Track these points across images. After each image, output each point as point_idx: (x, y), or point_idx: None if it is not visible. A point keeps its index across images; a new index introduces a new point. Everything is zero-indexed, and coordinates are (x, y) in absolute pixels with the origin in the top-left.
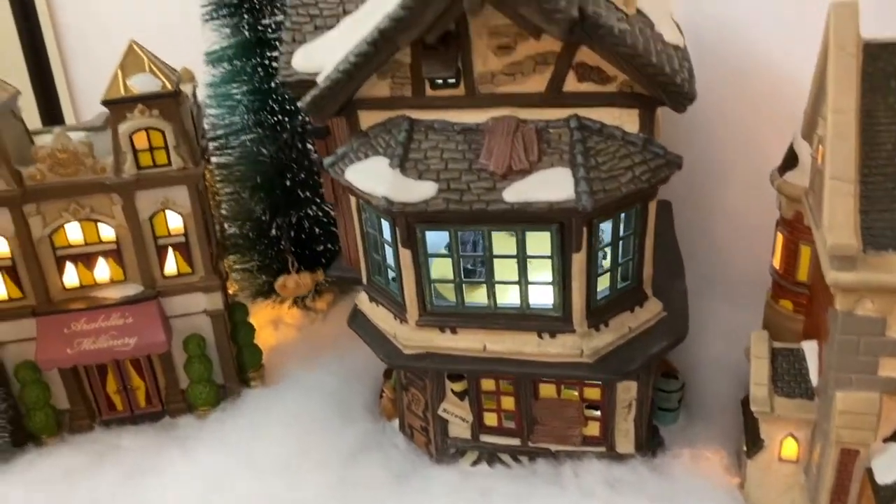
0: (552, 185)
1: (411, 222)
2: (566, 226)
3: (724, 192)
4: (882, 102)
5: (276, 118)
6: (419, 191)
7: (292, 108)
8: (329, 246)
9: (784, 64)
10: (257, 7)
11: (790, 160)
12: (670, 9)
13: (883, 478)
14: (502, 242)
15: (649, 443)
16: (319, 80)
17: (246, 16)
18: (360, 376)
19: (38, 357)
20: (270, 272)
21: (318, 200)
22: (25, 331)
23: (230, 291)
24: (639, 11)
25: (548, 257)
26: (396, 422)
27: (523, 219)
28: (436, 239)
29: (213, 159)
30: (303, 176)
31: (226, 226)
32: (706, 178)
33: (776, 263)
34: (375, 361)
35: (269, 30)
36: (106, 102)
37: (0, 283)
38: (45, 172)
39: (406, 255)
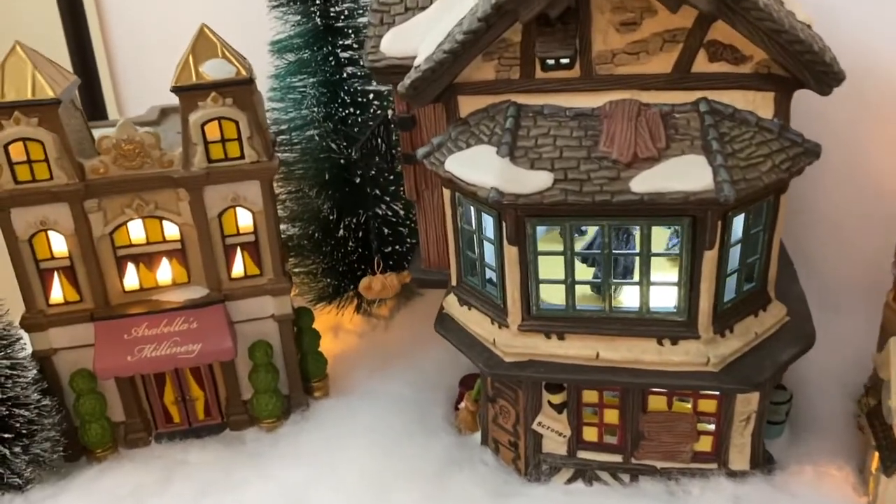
0: (687, 173)
1: (521, 216)
2: (699, 220)
3: (816, 192)
4: None
5: (346, 111)
6: (533, 181)
7: (364, 99)
8: (397, 247)
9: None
10: None
11: None
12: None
13: None
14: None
15: (765, 463)
16: (417, 62)
17: (317, 1)
18: (434, 386)
19: (96, 365)
20: (335, 275)
21: (388, 199)
22: (82, 337)
23: (292, 294)
24: None
25: (676, 255)
26: (477, 435)
27: (652, 212)
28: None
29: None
30: (373, 173)
31: (284, 227)
32: (810, 178)
33: None
34: (449, 370)
35: (341, 17)
36: (176, 89)
37: (56, 285)
38: (108, 165)
39: (512, 252)
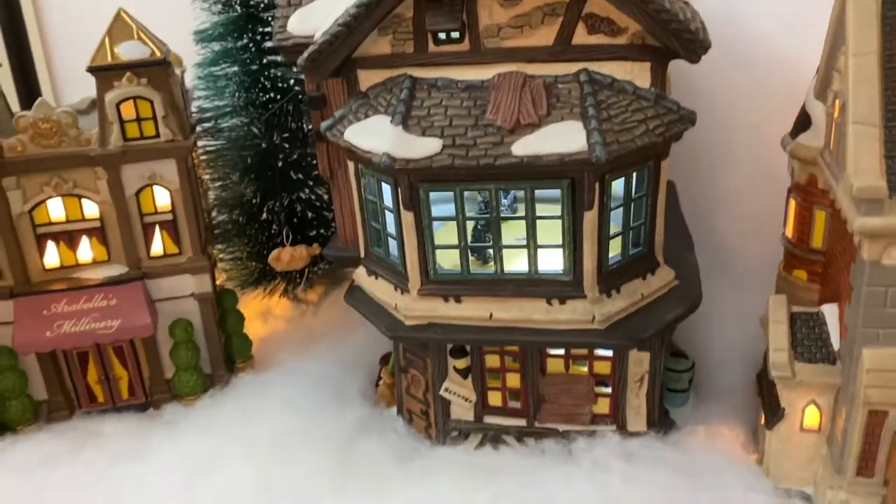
0: (563, 137)
1: (414, 182)
2: (577, 181)
3: (729, 178)
4: None
5: (267, 96)
6: (423, 147)
7: (285, 85)
8: (322, 231)
9: (787, 50)
10: None
11: (802, 122)
12: None
13: None
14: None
15: (661, 422)
16: (315, 37)
17: None
18: (355, 365)
19: (15, 341)
20: (261, 259)
21: (311, 183)
22: (2, 314)
23: (218, 281)
24: None
25: (557, 217)
26: (395, 409)
27: (533, 174)
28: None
29: (201, 145)
30: (295, 157)
31: (213, 213)
32: (711, 164)
33: (789, 233)
34: (371, 350)
35: (261, 6)
36: (92, 69)
37: None
38: (26, 144)
39: (408, 218)
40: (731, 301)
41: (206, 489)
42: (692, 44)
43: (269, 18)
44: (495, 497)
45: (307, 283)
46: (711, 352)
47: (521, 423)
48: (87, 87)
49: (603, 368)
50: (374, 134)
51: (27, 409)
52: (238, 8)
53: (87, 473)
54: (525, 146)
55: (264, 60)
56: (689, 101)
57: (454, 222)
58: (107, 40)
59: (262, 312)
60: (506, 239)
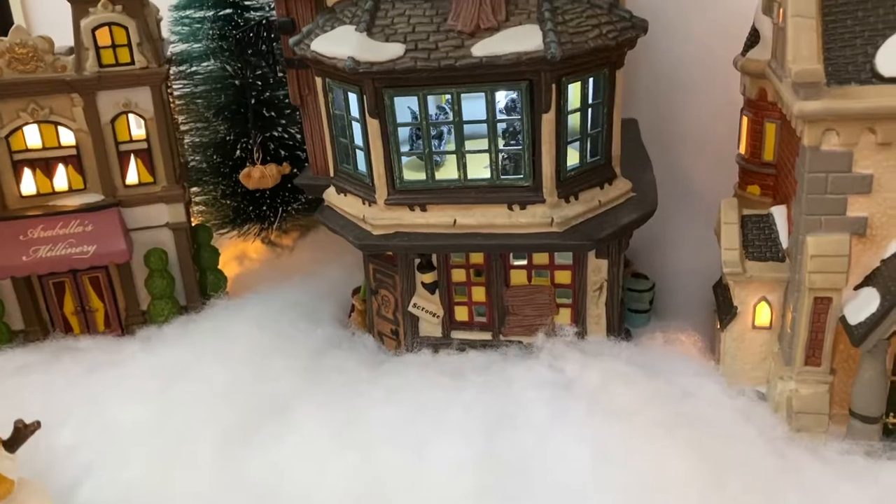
0: (521, 38)
1: (378, 87)
2: (535, 83)
3: (688, 111)
4: None
5: (240, 34)
6: (386, 51)
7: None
8: (295, 170)
9: None
10: None
11: (752, 39)
12: None
13: (855, 318)
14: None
15: (621, 333)
16: None
17: None
18: (328, 295)
19: None
20: (235, 196)
21: (284, 122)
22: None
23: (193, 222)
24: None
25: (518, 119)
26: (367, 334)
27: (492, 75)
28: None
29: (177, 87)
30: (268, 94)
31: (189, 156)
32: (671, 101)
33: (742, 149)
34: (344, 283)
35: None
36: None
37: None
38: (2, 69)
39: (374, 125)
40: (692, 228)
41: (181, 392)
42: None
43: None
44: (460, 381)
45: (281, 226)
46: (672, 275)
47: (488, 336)
48: (61, 20)
49: (563, 278)
50: (340, 41)
51: (3, 335)
52: None
53: (63, 379)
54: (484, 47)
55: (236, 0)
56: (647, 38)
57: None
58: None
59: (237, 255)
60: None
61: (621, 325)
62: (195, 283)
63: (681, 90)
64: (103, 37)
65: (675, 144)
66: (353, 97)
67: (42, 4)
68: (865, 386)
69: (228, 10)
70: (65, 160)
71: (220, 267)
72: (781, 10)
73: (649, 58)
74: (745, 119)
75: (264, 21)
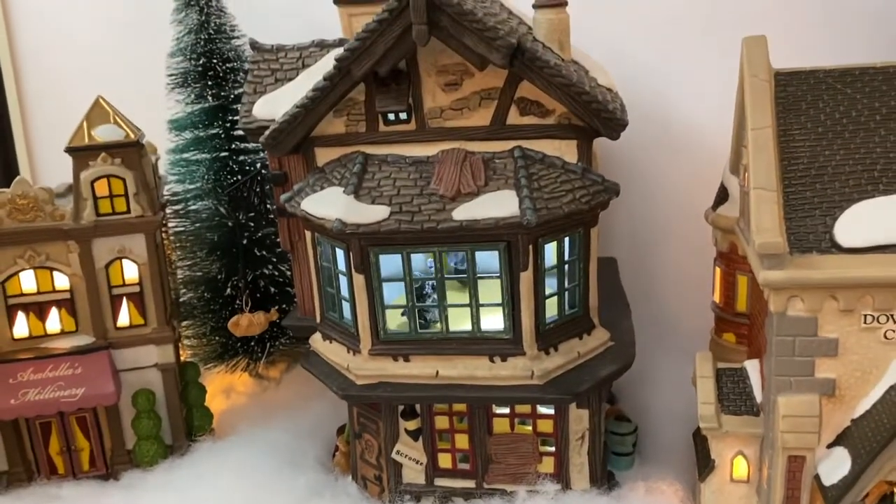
0: (499, 204)
1: (364, 245)
2: (513, 244)
3: (664, 252)
4: (795, 122)
5: (234, 178)
6: (372, 213)
7: (251, 168)
8: (285, 306)
9: (714, 131)
10: (220, 75)
11: (721, 196)
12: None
13: (829, 479)
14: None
15: (605, 481)
16: (277, 118)
17: (210, 82)
18: (312, 434)
19: None
20: (224, 333)
21: (275, 260)
22: None
23: (182, 357)
24: (574, 61)
25: (497, 277)
26: (350, 477)
27: (472, 237)
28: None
29: (172, 226)
30: (259, 235)
31: (181, 291)
32: (649, 241)
33: (717, 298)
34: (329, 421)
35: (231, 97)
36: (70, 150)
37: None
38: (3, 218)
39: (360, 280)
40: (670, 367)
41: None
42: (611, 122)
43: (238, 107)
44: None
45: (269, 359)
46: (653, 415)
47: (471, 484)
48: (63, 168)
49: (546, 427)
50: (329, 203)
51: None
52: (210, 99)
53: None
54: (464, 212)
55: (233, 146)
56: (627, 184)
57: (402, 283)
58: (85, 124)
59: (224, 388)
60: (450, 299)
61: (605, 471)
62: (182, 423)
63: (659, 232)
64: (101, 187)
65: (655, 283)
66: (340, 252)
67: (46, 151)
68: None
69: (224, 154)
70: (58, 303)
71: (206, 402)
72: (747, 176)
73: (629, 199)
74: (718, 270)
75: (256, 174)
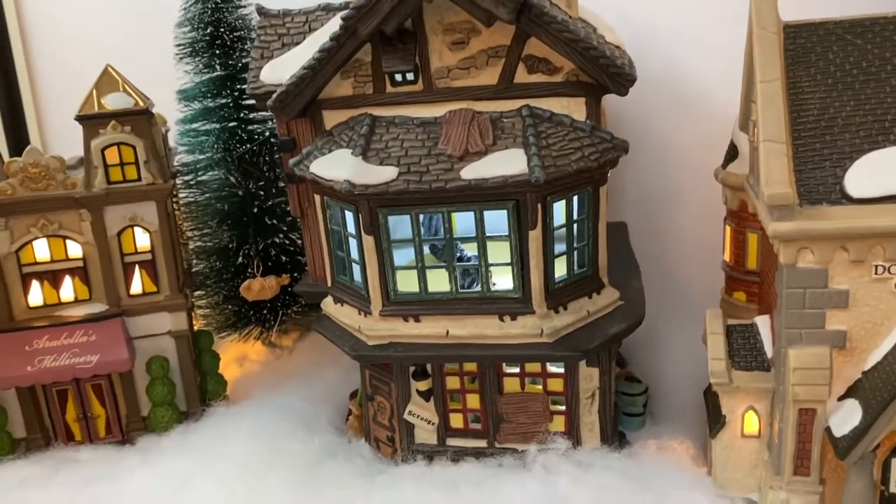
0: (507, 162)
1: (373, 207)
2: (521, 203)
3: (675, 215)
4: (805, 74)
5: (243, 147)
6: (380, 174)
7: (259, 137)
8: (296, 274)
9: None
10: (228, 44)
11: (731, 153)
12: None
13: (840, 431)
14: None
15: (615, 440)
16: (284, 81)
17: (218, 52)
18: (326, 399)
19: None
20: (236, 302)
21: (285, 228)
22: None
23: (196, 327)
24: (581, 19)
25: (505, 237)
26: (363, 440)
27: (480, 196)
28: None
29: (182, 196)
30: (269, 203)
31: (193, 261)
32: (659, 204)
33: (727, 257)
34: (341, 387)
35: (239, 66)
36: (80, 118)
37: None
38: (16, 187)
39: (369, 241)
40: (681, 329)
41: None
42: (619, 77)
43: (245, 76)
44: (453, 496)
45: (281, 328)
46: (665, 377)
47: (483, 443)
48: (73, 138)
49: (556, 386)
50: (337, 164)
51: (5, 445)
52: (218, 68)
53: (61, 496)
54: (473, 171)
55: (241, 115)
56: (636, 146)
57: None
58: (94, 92)
59: (238, 357)
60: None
61: (615, 430)
62: (196, 390)
63: (669, 194)
64: (112, 155)
65: (666, 246)
66: (349, 215)
67: (56, 122)
68: (854, 498)
69: (233, 124)
70: (71, 272)
71: (220, 370)
72: (756, 131)
73: (638, 162)
74: (728, 229)
75: (265, 140)
